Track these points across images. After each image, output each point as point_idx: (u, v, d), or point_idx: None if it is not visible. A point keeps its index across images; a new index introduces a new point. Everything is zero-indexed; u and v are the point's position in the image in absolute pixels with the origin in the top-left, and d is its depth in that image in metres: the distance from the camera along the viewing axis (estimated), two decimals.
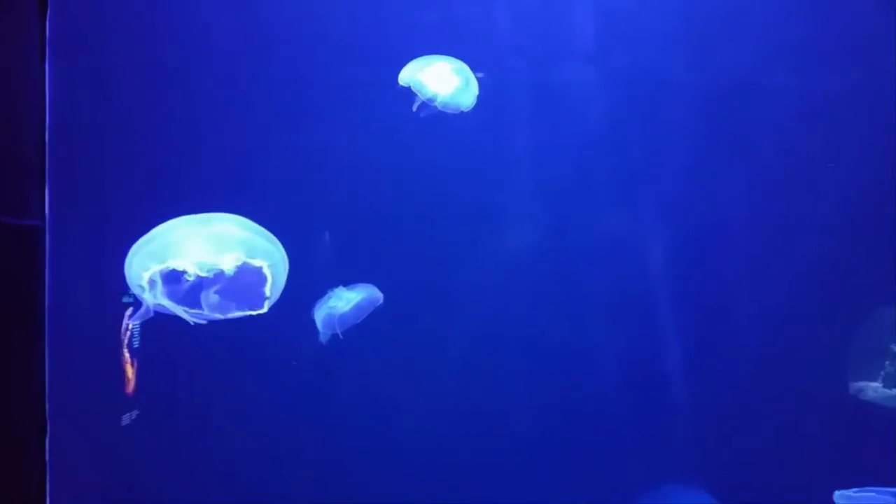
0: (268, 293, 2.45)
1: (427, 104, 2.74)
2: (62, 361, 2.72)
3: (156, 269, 2.40)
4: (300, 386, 2.82)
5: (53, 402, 2.71)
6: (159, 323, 2.51)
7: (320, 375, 2.82)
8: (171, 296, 2.44)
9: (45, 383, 2.71)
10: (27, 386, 2.71)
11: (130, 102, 2.78)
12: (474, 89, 2.77)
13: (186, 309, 2.44)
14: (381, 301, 2.78)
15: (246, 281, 2.46)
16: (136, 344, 2.74)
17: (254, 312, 2.47)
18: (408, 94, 2.75)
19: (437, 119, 2.75)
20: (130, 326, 2.72)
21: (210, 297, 2.45)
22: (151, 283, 2.42)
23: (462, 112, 2.75)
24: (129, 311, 2.70)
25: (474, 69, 2.78)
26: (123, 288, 2.51)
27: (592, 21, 2.82)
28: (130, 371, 2.75)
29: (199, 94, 2.80)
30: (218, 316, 2.47)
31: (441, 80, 2.76)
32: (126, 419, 2.76)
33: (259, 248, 2.47)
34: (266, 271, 2.44)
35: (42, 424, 2.71)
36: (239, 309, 2.48)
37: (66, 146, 2.75)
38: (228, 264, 2.42)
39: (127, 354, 2.74)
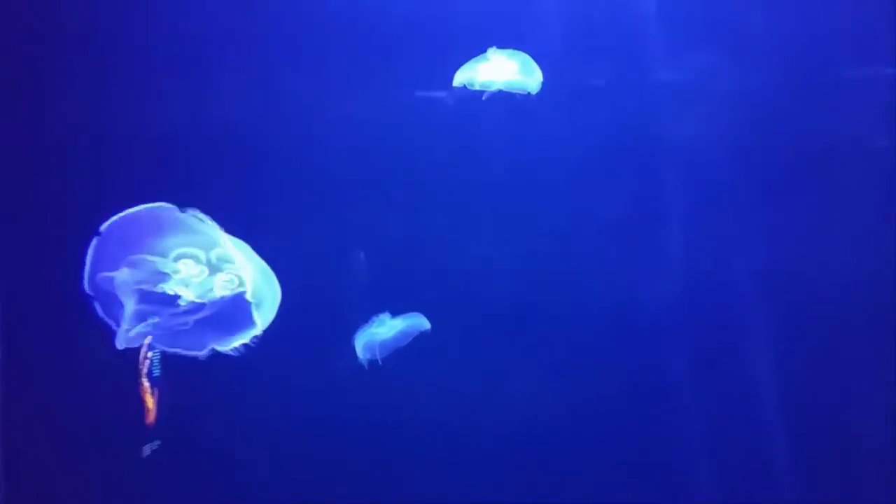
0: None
1: (491, 94, 2.65)
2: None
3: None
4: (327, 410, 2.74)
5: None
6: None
7: (349, 398, 2.73)
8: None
9: None
10: None
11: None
12: (537, 73, 2.65)
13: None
14: (428, 328, 2.69)
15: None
16: (155, 373, 2.62)
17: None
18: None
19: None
20: (149, 355, 2.60)
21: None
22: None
23: (529, 94, 2.65)
24: (147, 340, 2.58)
25: None
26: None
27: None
28: (150, 401, 2.64)
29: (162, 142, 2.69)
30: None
31: (497, 69, 2.65)
32: (147, 450, 2.66)
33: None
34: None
35: None
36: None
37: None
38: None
39: (146, 384, 2.62)
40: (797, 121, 2.66)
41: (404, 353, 2.67)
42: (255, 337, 2.51)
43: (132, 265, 2.51)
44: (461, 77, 2.65)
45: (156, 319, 2.56)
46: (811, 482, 2.66)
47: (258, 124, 2.71)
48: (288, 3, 2.69)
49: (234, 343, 2.53)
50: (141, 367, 2.61)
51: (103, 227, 2.48)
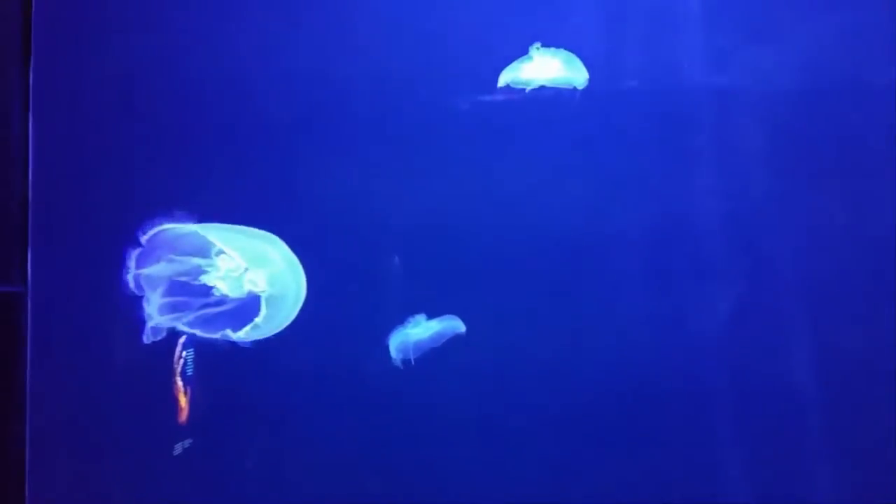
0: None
1: (535, 90, 2.64)
2: (43, 438, 2.71)
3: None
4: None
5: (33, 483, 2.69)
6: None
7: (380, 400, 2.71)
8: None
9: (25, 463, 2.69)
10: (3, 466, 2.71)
11: (115, 158, 2.73)
12: (582, 69, 2.64)
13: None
14: (463, 331, 2.66)
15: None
16: (189, 372, 2.67)
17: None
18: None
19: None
20: (184, 354, 2.65)
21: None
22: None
23: (575, 89, 2.63)
24: (182, 339, 2.64)
25: None
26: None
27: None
28: (184, 400, 2.67)
29: (193, 148, 2.73)
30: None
31: (541, 66, 2.65)
32: (178, 448, 2.68)
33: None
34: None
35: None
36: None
37: (48, 205, 2.72)
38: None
39: (180, 382, 2.66)
40: (840, 126, 2.61)
41: (435, 355, 2.64)
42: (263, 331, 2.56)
43: (171, 260, 2.57)
44: (506, 77, 2.64)
45: (190, 317, 2.58)
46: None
47: (298, 126, 2.73)
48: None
49: (245, 332, 2.56)
50: (175, 366, 2.64)
51: (144, 238, 2.56)
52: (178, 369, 2.64)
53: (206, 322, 2.58)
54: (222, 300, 2.57)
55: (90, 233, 2.70)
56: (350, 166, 2.71)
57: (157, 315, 2.57)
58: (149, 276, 2.57)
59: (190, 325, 2.58)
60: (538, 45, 2.64)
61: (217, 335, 2.56)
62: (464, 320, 2.65)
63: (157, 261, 2.56)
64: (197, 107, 2.72)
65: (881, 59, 2.59)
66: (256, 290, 2.56)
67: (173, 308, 2.58)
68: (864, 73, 2.61)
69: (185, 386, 2.65)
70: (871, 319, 2.59)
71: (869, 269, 2.59)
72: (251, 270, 2.57)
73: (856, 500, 2.57)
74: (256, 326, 2.54)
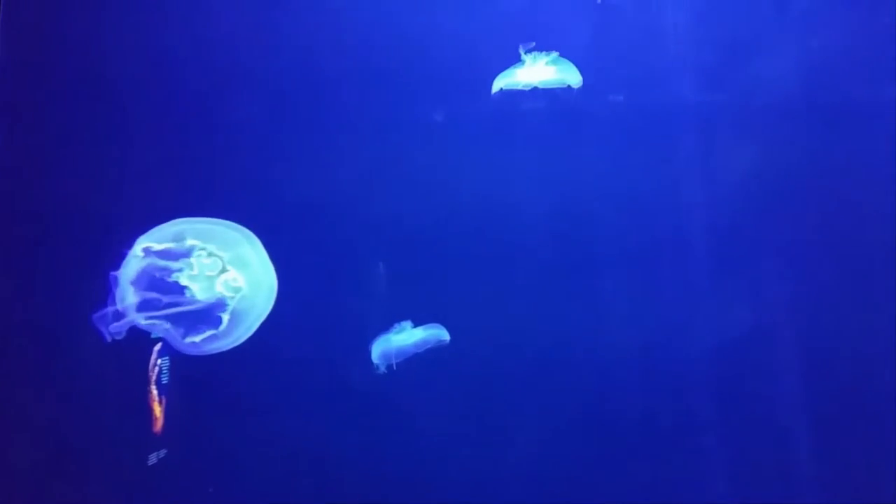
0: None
1: (534, 92, 2.63)
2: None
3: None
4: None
5: None
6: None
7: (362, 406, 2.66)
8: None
9: None
10: None
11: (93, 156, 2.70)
12: (574, 70, 2.63)
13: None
14: (447, 341, 2.62)
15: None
16: (164, 380, 2.61)
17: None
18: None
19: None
20: (159, 362, 2.59)
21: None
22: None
23: (571, 87, 2.62)
24: (157, 347, 2.58)
25: None
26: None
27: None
28: (158, 409, 2.60)
29: (177, 148, 2.71)
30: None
31: (534, 70, 2.63)
32: (153, 458, 2.60)
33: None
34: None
35: None
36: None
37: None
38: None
39: (154, 392, 2.60)
40: (828, 143, 2.59)
41: (420, 361, 2.59)
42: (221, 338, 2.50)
43: (148, 251, 2.51)
44: (499, 83, 2.62)
45: (155, 314, 2.50)
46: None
47: (287, 136, 2.71)
48: (319, 20, 2.71)
49: (204, 337, 2.51)
50: (150, 374, 2.56)
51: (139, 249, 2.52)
52: (153, 377, 2.57)
53: (169, 322, 2.51)
54: (190, 301, 2.51)
55: (64, 233, 2.65)
56: (336, 171, 2.68)
57: (123, 309, 2.50)
58: (125, 270, 2.51)
59: (152, 323, 2.50)
60: (532, 44, 2.61)
61: (178, 339, 2.51)
62: (449, 325, 2.61)
63: (135, 255, 2.50)
64: (181, 107, 2.68)
65: (869, 75, 2.59)
66: (228, 294, 2.51)
67: (142, 304, 2.51)
68: (852, 90, 2.60)
69: (159, 395, 2.58)
70: (860, 333, 2.55)
71: (859, 284, 2.56)
72: (228, 272, 2.51)
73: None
74: (215, 336, 2.50)
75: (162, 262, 2.51)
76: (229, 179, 2.69)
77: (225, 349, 2.52)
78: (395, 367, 2.60)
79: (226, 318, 2.49)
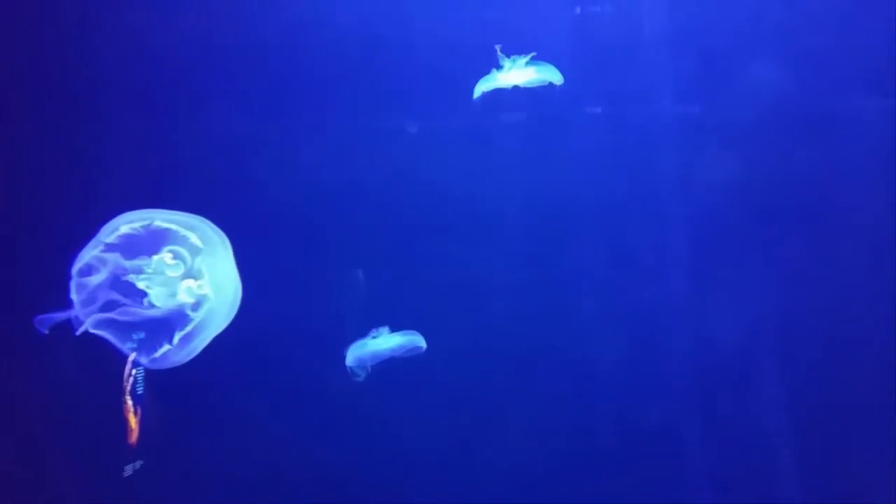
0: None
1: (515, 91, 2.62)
2: None
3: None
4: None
5: None
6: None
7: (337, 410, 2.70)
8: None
9: None
10: None
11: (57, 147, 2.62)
12: (554, 70, 2.64)
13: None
14: (423, 349, 2.66)
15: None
16: (139, 391, 2.52)
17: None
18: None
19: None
20: (133, 372, 2.50)
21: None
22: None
23: (554, 85, 2.62)
24: (131, 357, 2.48)
25: None
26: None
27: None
28: (133, 420, 2.53)
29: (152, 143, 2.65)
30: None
31: (514, 73, 2.63)
32: (129, 470, 2.58)
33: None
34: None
35: None
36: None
37: None
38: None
39: (129, 402, 2.52)
40: (806, 154, 2.65)
41: (401, 369, 2.63)
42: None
43: (113, 248, 2.41)
44: (481, 87, 2.62)
45: (142, 335, 2.46)
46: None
47: (268, 142, 2.69)
48: (304, 26, 2.66)
49: (161, 351, 2.43)
50: (125, 384, 2.52)
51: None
52: (128, 388, 2.54)
53: (119, 327, 2.41)
54: (147, 308, 2.41)
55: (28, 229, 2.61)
56: (315, 175, 2.67)
57: (80, 307, 2.40)
58: (88, 264, 2.40)
59: (103, 324, 2.40)
60: (498, 47, 2.60)
61: (126, 346, 2.42)
62: (428, 330, 2.63)
63: (100, 251, 2.40)
64: (156, 108, 2.64)
65: (849, 85, 2.66)
66: (189, 301, 2.43)
67: (92, 304, 2.41)
68: (831, 103, 2.66)
69: (135, 406, 2.53)
70: (846, 336, 2.63)
71: (841, 290, 2.64)
72: (192, 278, 2.46)
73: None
74: (168, 349, 2.43)
75: (124, 261, 2.42)
76: (204, 179, 2.64)
77: (179, 363, 2.46)
78: (369, 370, 2.62)
79: (180, 333, 2.42)
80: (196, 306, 2.42)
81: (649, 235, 2.68)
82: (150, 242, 2.42)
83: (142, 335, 2.42)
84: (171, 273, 2.44)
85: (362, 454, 2.67)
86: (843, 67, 2.63)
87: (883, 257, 2.59)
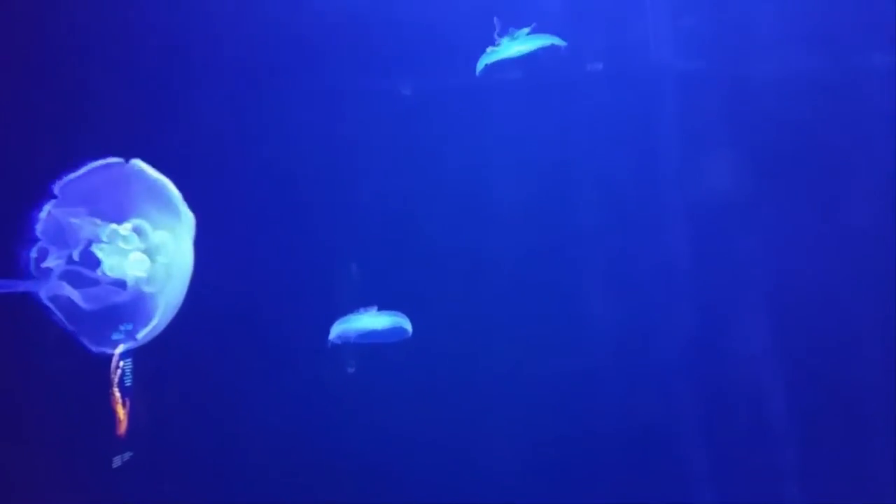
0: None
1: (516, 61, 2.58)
2: None
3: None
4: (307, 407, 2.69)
5: None
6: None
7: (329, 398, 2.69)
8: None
9: None
10: None
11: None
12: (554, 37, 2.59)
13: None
14: (409, 334, 2.66)
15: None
16: (127, 382, 2.51)
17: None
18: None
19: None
20: (121, 364, 2.47)
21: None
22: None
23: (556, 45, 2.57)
24: (119, 349, 2.44)
25: None
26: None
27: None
28: (122, 412, 2.51)
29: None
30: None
31: (515, 45, 2.58)
32: (118, 461, 2.59)
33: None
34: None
35: None
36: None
37: None
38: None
39: (118, 394, 2.50)
40: (812, 114, 2.58)
41: (392, 354, 2.63)
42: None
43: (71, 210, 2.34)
44: (484, 60, 2.56)
45: (130, 327, 2.43)
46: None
47: (254, 107, 2.65)
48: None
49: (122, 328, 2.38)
50: (112, 376, 2.50)
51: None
52: (116, 380, 2.52)
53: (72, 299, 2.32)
54: (99, 279, 2.33)
55: None
56: (301, 147, 2.64)
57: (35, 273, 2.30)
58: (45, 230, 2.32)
59: (57, 294, 2.31)
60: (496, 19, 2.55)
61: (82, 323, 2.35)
62: (418, 314, 2.62)
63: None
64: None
65: (854, 45, 2.60)
66: (137, 275, 2.34)
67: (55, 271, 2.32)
68: (837, 60, 2.60)
69: (123, 397, 2.52)
70: (844, 317, 2.61)
71: (844, 265, 2.58)
72: (148, 253, 2.36)
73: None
74: (123, 330, 2.36)
75: (77, 223, 2.32)
76: (175, 145, 2.57)
77: (139, 342, 2.39)
78: (352, 340, 2.61)
79: (136, 309, 2.36)
80: (151, 281, 2.37)
81: (651, 203, 2.64)
82: (111, 209, 2.36)
83: (96, 307, 2.35)
84: (127, 245, 2.37)
85: (350, 443, 2.67)
86: (858, 24, 2.57)
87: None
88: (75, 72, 2.58)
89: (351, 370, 2.66)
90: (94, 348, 2.37)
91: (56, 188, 2.30)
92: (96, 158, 2.29)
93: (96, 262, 2.33)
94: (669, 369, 2.64)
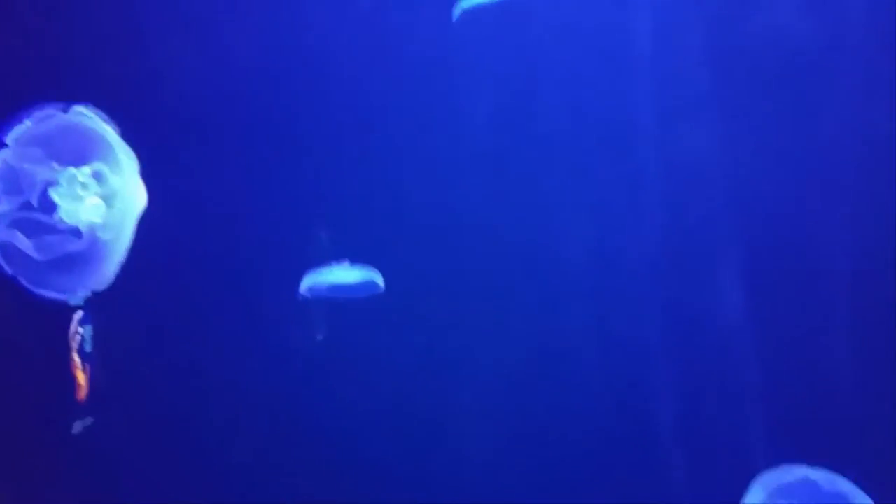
0: None
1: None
2: None
3: None
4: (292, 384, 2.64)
5: None
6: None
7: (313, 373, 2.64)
8: None
9: None
10: None
11: None
12: None
13: None
14: (381, 290, 2.59)
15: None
16: (87, 348, 2.49)
17: None
18: None
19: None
20: (80, 331, 2.47)
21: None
22: None
23: None
24: (77, 315, 2.45)
25: None
26: None
27: None
28: (82, 377, 2.50)
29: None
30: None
31: None
32: (78, 426, 2.53)
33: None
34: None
35: None
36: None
37: None
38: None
39: (77, 360, 2.49)
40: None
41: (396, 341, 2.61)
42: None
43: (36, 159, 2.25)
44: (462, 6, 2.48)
45: (88, 293, 2.33)
46: None
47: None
48: None
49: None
50: (71, 342, 2.44)
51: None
52: (75, 346, 2.45)
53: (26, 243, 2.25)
54: (55, 224, 2.26)
55: None
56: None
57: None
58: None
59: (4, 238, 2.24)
60: None
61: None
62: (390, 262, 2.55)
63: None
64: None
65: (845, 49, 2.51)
66: (92, 221, 2.26)
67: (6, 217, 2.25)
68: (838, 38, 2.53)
69: (83, 363, 2.47)
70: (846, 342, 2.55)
71: (836, 269, 2.53)
72: (100, 198, 2.28)
73: None
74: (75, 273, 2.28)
75: (33, 167, 2.24)
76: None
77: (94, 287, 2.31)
78: (322, 306, 2.55)
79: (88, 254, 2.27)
80: (107, 227, 2.29)
81: (632, 169, 2.57)
82: (69, 154, 2.27)
83: (49, 257, 2.26)
84: (86, 191, 2.28)
85: (317, 407, 2.62)
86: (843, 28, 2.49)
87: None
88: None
89: (320, 337, 2.59)
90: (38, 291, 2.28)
91: (8, 136, 2.22)
92: (46, 105, 2.23)
93: (51, 209, 2.24)
94: (648, 336, 2.60)
